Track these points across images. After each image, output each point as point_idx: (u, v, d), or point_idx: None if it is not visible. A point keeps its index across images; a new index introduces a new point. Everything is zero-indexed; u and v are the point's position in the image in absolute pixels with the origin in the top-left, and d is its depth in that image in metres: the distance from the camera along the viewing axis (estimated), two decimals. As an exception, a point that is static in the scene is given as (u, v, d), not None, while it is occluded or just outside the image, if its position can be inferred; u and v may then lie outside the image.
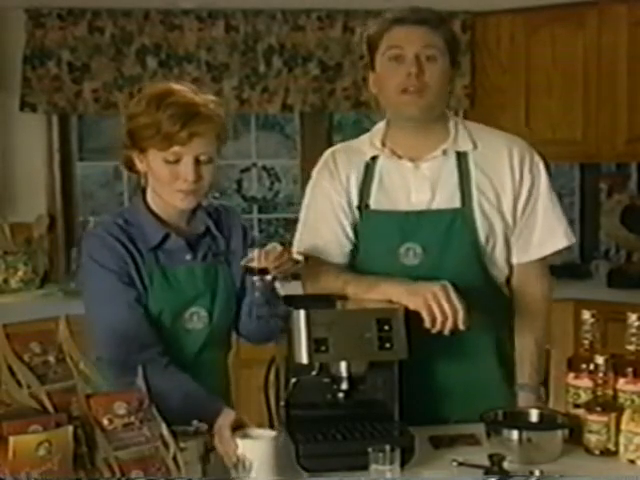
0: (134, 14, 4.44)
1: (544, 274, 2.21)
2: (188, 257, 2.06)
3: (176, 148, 1.94)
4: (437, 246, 2.07)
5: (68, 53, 4.40)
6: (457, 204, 2.09)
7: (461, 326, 1.90)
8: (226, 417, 1.79)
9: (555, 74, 4.47)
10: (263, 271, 1.97)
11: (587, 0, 4.34)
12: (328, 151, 2.28)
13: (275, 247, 1.99)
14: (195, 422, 1.75)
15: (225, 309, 2.09)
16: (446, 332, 1.90)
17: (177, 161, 1.95)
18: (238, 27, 4.51)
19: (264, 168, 5.05)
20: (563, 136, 4.45)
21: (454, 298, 1.90)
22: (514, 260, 2.17)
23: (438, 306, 1.89)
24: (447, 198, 2.10)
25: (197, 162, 1.96)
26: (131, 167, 2.06)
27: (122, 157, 2.07)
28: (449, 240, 2.08)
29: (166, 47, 4.48)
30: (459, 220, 2.09)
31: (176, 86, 2.01)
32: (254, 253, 1.98)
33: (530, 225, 2.15)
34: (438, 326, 1.90)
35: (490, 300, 2.13)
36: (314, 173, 2.26)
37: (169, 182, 1.98)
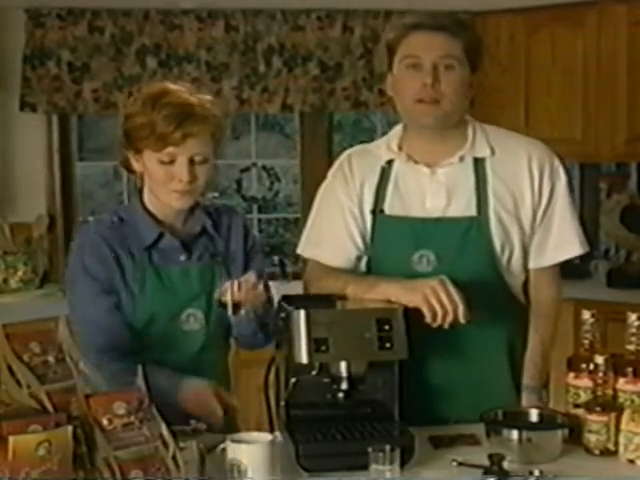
0: (134, 14, 4.44)
1: (555, 279, 2.21)
2: (182, 258, 2.07)
3: (170, 149, 1.94)
4: (451, 254, 2.05)
5: (68, 53, 4.41)
6: (473, 212, 2.07)
7: (461, 319, 1.89)
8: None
9: (555, 74, 4.47)
10: (236, 305, 1.96)
11: (587, 0, 4.34)
12: (344, 154, 2.25)
13: (249, 278, 1.97)
14: (193, 422, 1.75)
15: (220, 312, 2.07)
16: (446, 326, 1.90)
17: (172, 162, 1.96)
18: (238, 27, 4.51)
19: (264, 168, 5.05)
20: (563, 136, 4.44)
21: (453, 292, 1.90)
22: (530, 265, 2.16)
23: (437, 300, 1.89)
24: (463, 205, 2.08)
25: (192, 162, 1.96)
26: (128, 167, 2.07)
27: (120, 157, 2.09)
28: (464, 248, 2.06)
29: (166, 47, 4.48)
30: (474, 228, 2.07)
31: (172, 86, 2.01)
32: (226, 285, 1.96)
33: (546, 230, 2.13)
34: (439, 321, 1.90)
35: (504, 308, 2.12)
36: (328, 175, 2.23)
37: (164, 182, 1.99)
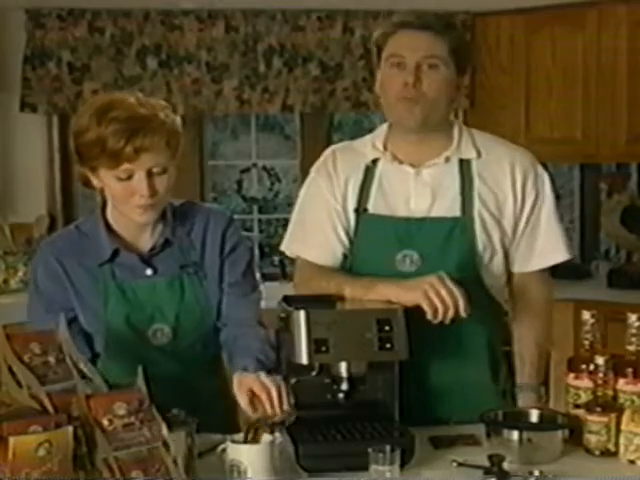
0: (134, 14, 4.44)
1: (544, 279, 2.21)
2: (148, 272, 2.02)
3: (126, 165, 1.87)
4: (434, 254, 2.05)
5: (68, 53, 4.41)
6: (457, 213, 2.07)
7: (462, 313, 1.89)
8: None
9: (555, 74, 4.47)
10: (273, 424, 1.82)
11: (587, 0, 4.34)
12: (328, 150, 2.25)
13: (270, 393, 1.83)
14: (175, 410, 1.72)
15: (192, 324, 2.04)
16: (447, 321, 1.90)
17: (129, 177, 1.89)
18: (238, 27, 4.52)
19: (264, 168, 5.05)
20: (563, 136, 4.45)
21: (452, 287, 1.89)
22: (515, 269, 2.16)
23: (437, 296, 1.88)
24: (447, 206, 2.08)
25: (150, 175, 1.89)
26: (87, 184, 1.99)
27: (76, 174, 2.02)
28: (447, 249, 2.06)
29: (166, 47, 4.48)
30: (458, 229, 2.06)
31: (119, 97, 1.93)
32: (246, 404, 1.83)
33: (533, 236, 2.13)
34: (440, 316, 1.90)
35: (484, 307, 2.12)
36: (312, 171, 2.23)
37: (125, 199, 1.92)
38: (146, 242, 2.04)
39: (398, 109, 2.05)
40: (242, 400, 1.86)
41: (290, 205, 5.55)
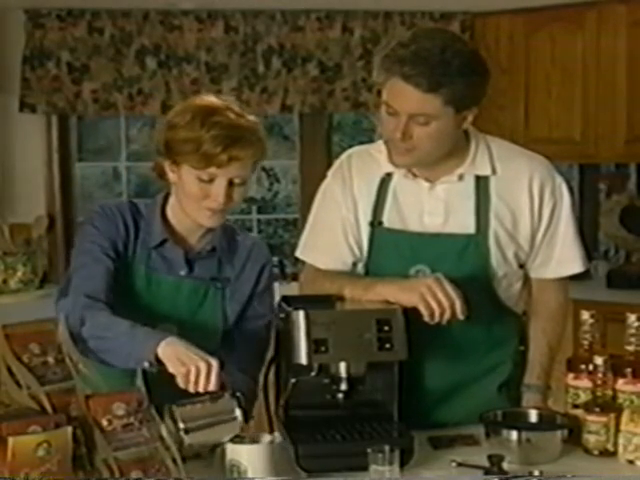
0: (133, 14, 4.44)
1: (561, 285, 2.21)
2: (182, 272, 2.03)
3: (212, 169, 1.91)
4: (447, 270, 2.01)
5: (67, 54, 4.41)
6: (471, 230, 2.05)
7: (459, 315, 1.89)
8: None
9: (554, 74, 4.47)
10: None
11: (587, 0, 4.34)
12: (345, 154, 2.21)
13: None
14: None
15: (199, 334, 2.00)
16: (444, 322, 1.90)
17: (211, 180, 1.92)
18: (237, 28, 4.51)
19: (263, 169, 5.05)
20: (562, 136, 4.45)
21: (449, 288, 1.89)
22: (532, 275, 2.16)
23: (434, 298, 1.88)
24: (461, 223, 2.06)
25: (230, 184, 1.93)
26: (161, 175, 2.03)
27: (154, 164, 2.05)
28: (460, 265, 2.04)
29: (165, 48, 4.48)
30: (472, 246, 2.05)
31: (221, 103, 1.97)
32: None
33: (550, 246, 2.12)
34: (436, 318, 1.89)
35: (498, 322, 2.12)
36: (328, 174, 2.20)
37: (198, 199, 1.95)
38: (194, 244, 2.06)
39: (391, 151, 2.03)
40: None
41: (289, 205, 5.57)
